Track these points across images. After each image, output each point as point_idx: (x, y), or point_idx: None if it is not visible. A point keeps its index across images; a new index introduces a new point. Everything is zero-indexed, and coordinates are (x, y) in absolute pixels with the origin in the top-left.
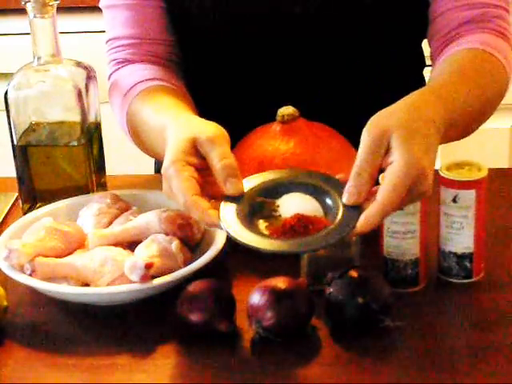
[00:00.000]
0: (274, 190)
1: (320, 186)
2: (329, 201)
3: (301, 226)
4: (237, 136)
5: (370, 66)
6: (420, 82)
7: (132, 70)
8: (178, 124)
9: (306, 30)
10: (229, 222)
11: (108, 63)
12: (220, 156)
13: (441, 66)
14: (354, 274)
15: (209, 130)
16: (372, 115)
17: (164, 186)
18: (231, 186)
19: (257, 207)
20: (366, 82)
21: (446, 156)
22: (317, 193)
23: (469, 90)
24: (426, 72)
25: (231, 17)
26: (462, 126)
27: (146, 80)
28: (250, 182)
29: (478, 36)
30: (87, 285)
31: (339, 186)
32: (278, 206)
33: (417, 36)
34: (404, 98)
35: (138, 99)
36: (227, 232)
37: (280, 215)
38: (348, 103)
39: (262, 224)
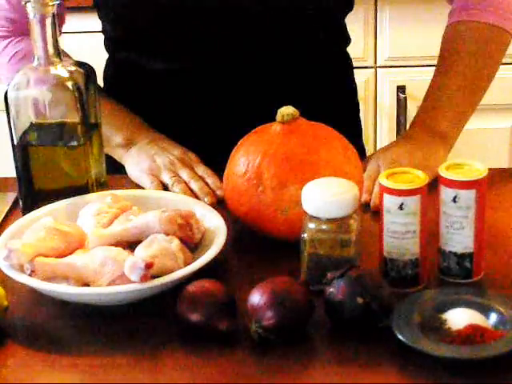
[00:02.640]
0: (439, 305)
1: (484, 302)
2: (494, 315)
3: (477, 335)
4: (237, 136)
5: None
6: (345, 60)
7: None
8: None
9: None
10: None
11: None
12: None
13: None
14: (353, 274)
15: None
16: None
17: (163, 161)
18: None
19: (425, 321)
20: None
21: None
22: (481, 308)
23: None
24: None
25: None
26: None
27: None
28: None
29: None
30: (87, 285)
31: (504, 302)
32: (445, 320)
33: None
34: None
35: None
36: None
37: (449, 328)
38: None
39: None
